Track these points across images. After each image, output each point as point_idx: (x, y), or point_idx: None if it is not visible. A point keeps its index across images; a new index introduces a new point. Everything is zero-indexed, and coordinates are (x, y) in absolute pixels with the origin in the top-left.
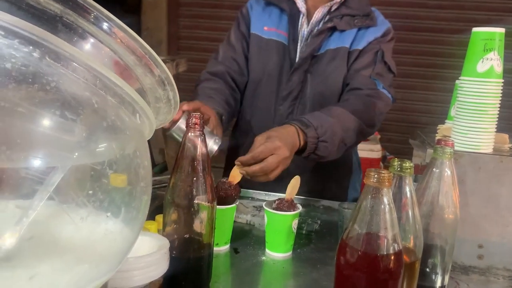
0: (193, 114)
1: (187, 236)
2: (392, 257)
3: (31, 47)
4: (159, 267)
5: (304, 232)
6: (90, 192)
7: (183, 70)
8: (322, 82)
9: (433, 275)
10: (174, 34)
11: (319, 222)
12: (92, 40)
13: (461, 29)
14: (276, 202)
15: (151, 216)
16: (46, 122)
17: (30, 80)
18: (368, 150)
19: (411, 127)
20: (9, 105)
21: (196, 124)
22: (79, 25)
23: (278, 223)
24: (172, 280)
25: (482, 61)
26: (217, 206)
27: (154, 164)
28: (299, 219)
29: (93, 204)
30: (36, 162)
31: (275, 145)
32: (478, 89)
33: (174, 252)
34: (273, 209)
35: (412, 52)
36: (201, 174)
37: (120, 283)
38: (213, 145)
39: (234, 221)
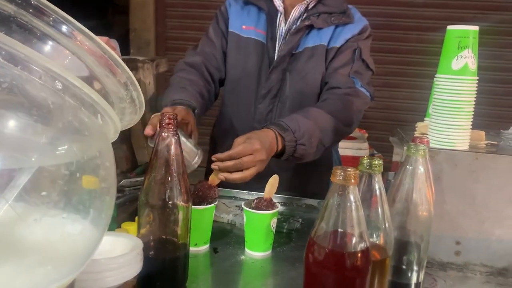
0: (166, 114)
1: (162, 237)
2: (359, 255)
3: None
4: (132, 268)
5: (285, 230)
6: (49, 193)
7: (164, 71)
8: (301, 80)
9: (409, 272)
10: (162, 34)
11: (300, 220)
12: (50, 42)
13: (445, 28)
14: (255, 201)
15: (131, 217)
16: (5, 123)
17: None
18: (356, 148)
19: (397, 125)
20: None
21: (169, 124)
22: (36, 27)
23: (257, 222)
24: (147, 280)
25: (457, 59)
26: (196, 206)
27: (136, 165)
28: (281, 218)
29: (51, 205)
30: None
31: (254, 147)
32: (453, 87)
33: (150, 253)
34: (252, 208)
35: (397, 51)
36: (175, 174)
37: (92, 285)
38: (197, 159)
39: (216, 221)
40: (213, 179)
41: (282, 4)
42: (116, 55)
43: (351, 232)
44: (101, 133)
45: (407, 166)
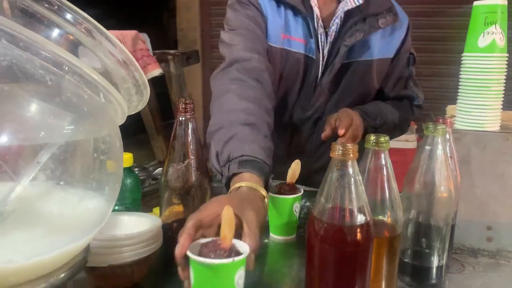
0: (182, 99)
1: (182, 217)
2: (359, 229)
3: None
4: (149, 245)
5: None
6: (64, 171)
7: (195, 63)
8: (349, 97)
9: (430, 256)
10: (207, 33)
11: None
12: (54, 27)
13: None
14: (278, 186)
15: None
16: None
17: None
18: (403, 140)
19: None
20: None
21: (186, 109)
22: (38, 12)
23: (279, 206)
24: (166, 258)
25: (483, 36)
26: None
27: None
28: (310, 205)
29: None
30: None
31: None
32: (479, 65)
33: (170, 232)
34: (274, 193)
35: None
36: (192, 157)
37: (111, 258)
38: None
39: None
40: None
41: (317, 4)
42: (113, 37)
43: (350, 207)
44: (107, 114)
45: (425, 147)
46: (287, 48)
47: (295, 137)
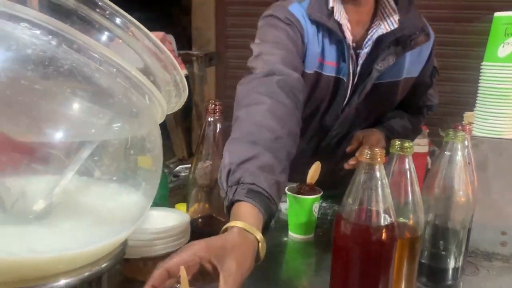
0: (212, 101)
1: (207, 213)
2: (384, 230)
3: (50, 36)
4: (178, 239)
5: (329, 217)
6: (107, 167)
7: (215, 64)
8: (373, 115)
9: (447, 258)
10: (222, 32)
11: None
12: (106, 32)
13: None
14: (298, 186)
15: (184, 199)
16: (65, 102)
17: (46, 63)
18: (415, 144)
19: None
20: (30, 85)
21: (214, 110)
22: (93, 18)
23: (299, 206)
24: None
25: (503, 46)
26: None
27: (191, 153)
28: (326, 206)
29: (108, 177)
30: (52, 136)
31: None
32: (499, 74)
33: (196, 227)
34: (295, 193)
35: (452, 44)
36: (220, 156)
37: (144, 251)
38: None
39: None
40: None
41: (348, 26)
42: (160, 43)
43: (376, 208)
44: (150, 114)
45: (445, 152)
46: (320, 71)
47: (320, 147)
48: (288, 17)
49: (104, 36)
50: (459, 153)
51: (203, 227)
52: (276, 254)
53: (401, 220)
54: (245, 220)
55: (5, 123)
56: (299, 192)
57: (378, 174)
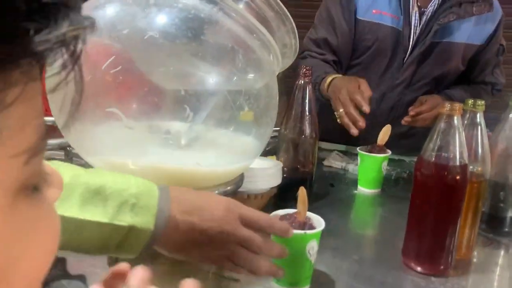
0: (303, 66)
1: (295, 163)
2: (459, 169)
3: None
4: (274, 179)
5: (393, 177)
6: (230, 116)
7: None
8: (435, 73)
9: (505, 208)
10: None
11: (407, 171)
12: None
13: None
14: (369, 147)
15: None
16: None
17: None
18: None
19: None
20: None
21: (305, 74)
22: None
23: (369, 163)
24: (283, 191)
25: None
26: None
27: None
28: (389, 168)
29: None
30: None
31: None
32: None
33: (285, 174)
34: (366, 152)
35: None
36: (307, 114)
37: (250, 186)
38: None
39: (330, 166)
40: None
41: None
42: (287, 11)
43: (452, 152)
44: (271, 70)
45: (510, 115)
46: (378, 21)
47: (381, 105)
48: None
49: (242, 3)
50: None
51: (291, 176)
52: (347, 204)
53: (471, 168)
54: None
55: (154, 70)
56: (369, 151)
57: (455, 123)
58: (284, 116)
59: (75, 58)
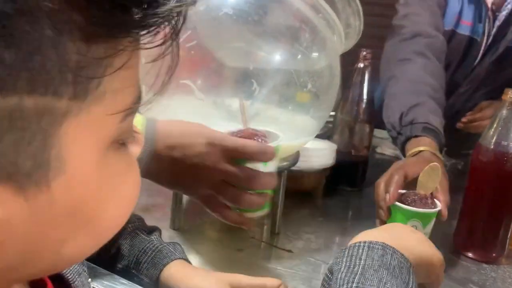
0: (363, 49)
1: (349, 147)
2: None
3: None
4: (328, 160)
5: (447, 168)
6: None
7: None
8: (502, 79)
9: None
10: None
11: (462, 163)
12: None
13: None
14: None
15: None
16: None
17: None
18: None
19: None
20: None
21: (365, 57)
22: None
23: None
24: (336, 172)
25: None
26: None
27: None
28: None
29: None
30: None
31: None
32: None
33: (338, 157)
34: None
35: None
36: (364, 98)
37: (304, 164)
38: None
39: (384, 154)
40: None
41: None
42: None
43: None
44: (335, 50)
45: None
46: (455, 29)
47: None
48: None
49: None
50: None
51: (344, 159)
52: None
53: None
54: (430, 148)
55: (224, 46)
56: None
57: None
58: (341, 99)
59: (176, 32)
